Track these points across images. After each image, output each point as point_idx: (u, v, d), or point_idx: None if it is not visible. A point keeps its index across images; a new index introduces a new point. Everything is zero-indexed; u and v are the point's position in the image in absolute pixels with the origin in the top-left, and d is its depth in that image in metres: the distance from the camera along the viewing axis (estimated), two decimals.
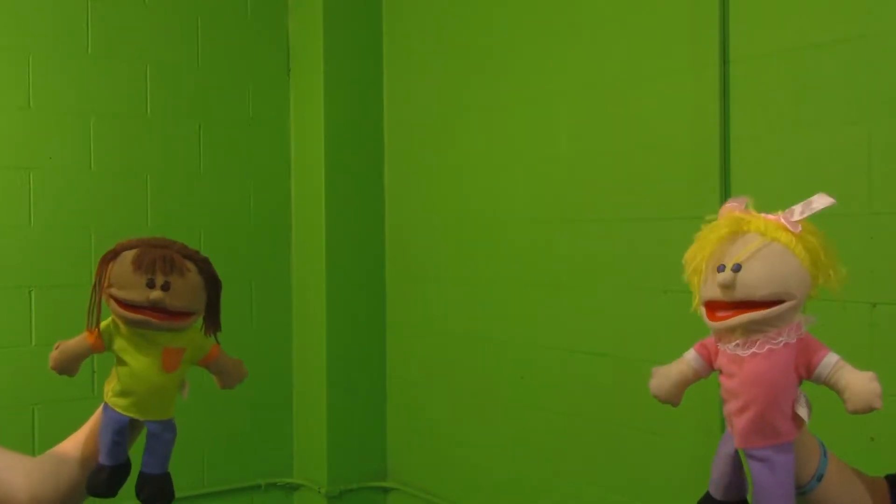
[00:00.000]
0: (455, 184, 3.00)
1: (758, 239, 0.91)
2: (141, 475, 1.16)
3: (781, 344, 0.89)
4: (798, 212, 0.92)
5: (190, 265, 1.14)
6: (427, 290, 3.13)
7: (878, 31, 1.86)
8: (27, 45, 2.85)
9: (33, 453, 1.27)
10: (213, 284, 1.17)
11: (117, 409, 1.13)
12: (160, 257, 1.12)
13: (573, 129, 2.55)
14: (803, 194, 1.95)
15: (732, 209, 0.96)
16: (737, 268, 0.89)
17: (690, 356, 0.97)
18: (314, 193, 3.25)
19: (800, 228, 0.91)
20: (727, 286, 0.89)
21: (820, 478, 0.94)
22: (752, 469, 0.91)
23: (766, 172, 2.06)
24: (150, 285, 1.10)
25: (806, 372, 0.90)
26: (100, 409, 1.18)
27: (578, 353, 2.53)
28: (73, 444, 1.20)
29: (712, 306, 0.93)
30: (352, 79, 3.27)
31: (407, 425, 3.25)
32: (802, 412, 0.90)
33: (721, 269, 0.91)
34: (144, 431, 1.17)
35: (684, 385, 0.98)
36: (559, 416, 2.60)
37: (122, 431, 1.14)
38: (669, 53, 2.27)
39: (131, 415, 1.13)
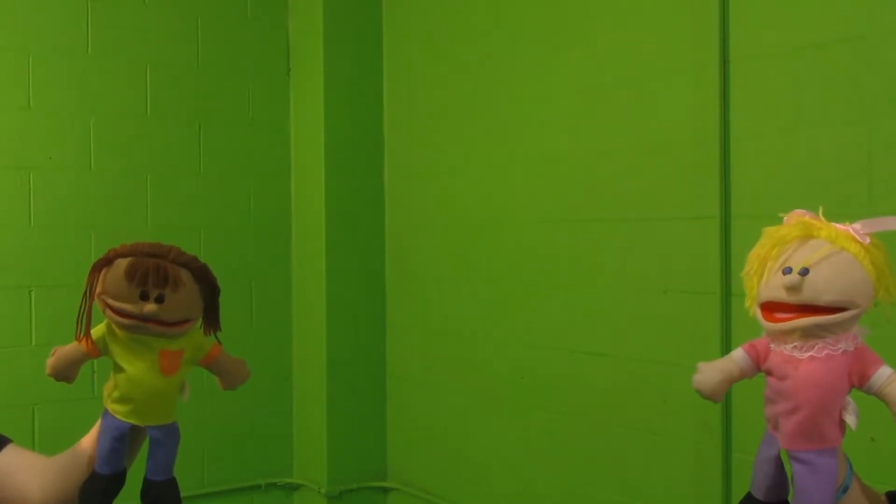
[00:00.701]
0: (455, 184, 3.00)
1: (827, 246, 0.92)
2: (146, 481, 1.14)
3: (840, 351, 0.91)
4: (869, 225, 0.94)
5: (185, 274, 1.11)
6: (427, 290, 3.13)
7: (878, 31, 1.86)
8: (27, 45, 2.85)
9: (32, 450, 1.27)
10: (210, 292, 1.14)
11: (117, 416, 1.11)
12: (153, 268, 1.08)
13: (573, 129, 2.55)
14: (803, 194, 1.96)
15: (801, 214, 0.97)
16: (804, 271, 0.90)
17: (738, 355, 0.98)
18: (314, 193, 3.25)
19: (868, 241, 0.92)
20: (793, 288, 0.90)
21: (846, 489, 0.96)
22: (794, 471, 0.92)
23: (766, 172, 2.06)
24: (144, 297, 1.07)
25: (859, 381, 0.91)
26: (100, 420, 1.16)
27: (578, 353, 2.53)
28: (84, 445, 1.19)
29: (771, 307, 0.93)
30: (352, 79, 3.27)
31: (407, 425, 3.25)
32: (850, 420, 0.91)
33: (787, 271, 0.92)
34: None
35: (729, 383, 0.99)
36: (559, 416, 2.60)
37: (121, 438, 1.12)
38: (669, 53, 2.27)
39: (131, 421, 1.11)
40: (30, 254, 2.85)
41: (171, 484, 1.14)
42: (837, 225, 0.94)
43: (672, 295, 2.25)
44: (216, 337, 1.18)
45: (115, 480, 1.13)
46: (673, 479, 2.28)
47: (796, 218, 0.97)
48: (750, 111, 2.10)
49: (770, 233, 0.98)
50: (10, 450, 1.25)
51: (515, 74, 2.74)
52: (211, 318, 1.16)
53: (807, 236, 0.94)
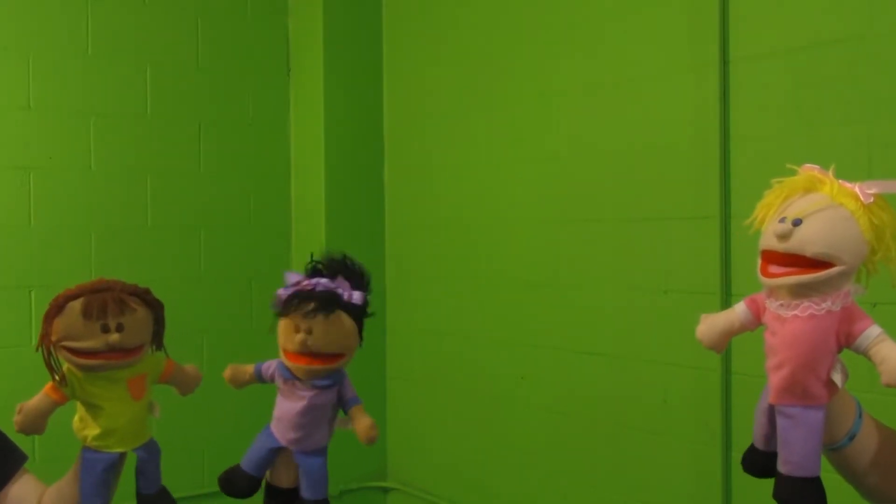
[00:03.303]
0: (455, 184, 3.00)
1: (825, 199, 0.92)
2: (143, 496, 1.20)
3: (824, 311, 0.90)
4: (876, 185, 0.93)
5: (135, 301, 1.16)
6: (427, 290, 3.13)
7: (878, 31, 1.86)
8: (27, 45, 2.85)
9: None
10: (158, 311, 1.20)
11: (104, 451, 1.16)
12: (111, 300, 1.13)
13: (573, 129, 2.55)
14: None
15: (811, 169, 0.98)
16: (797, 222, 0.91)
17: (740, 308, 0.99)
18: (314, 193, 3.25)
19: (871, 200, 0.92)
20: (782, 236, 0.91)
21: (852, 437, 0.97)
22: (778, 424, 0.94)
23: (766, 172, 2.05)
24: (105, 330, 1.12)
25: (846, 340, 0.91)
26: (78, 459, 1.19)
27: (578, 353, 2.53)
28: (69, 486, 1.24)
29: (767, 258, 0.94)
30: (352, 79, 3.27)
31: (407, 425, 3.25)
32: (837, 378, 0.91)
33: (782, 220, 0.93)
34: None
35: (729, 335, 1.00)
36: (559, 416, 2.60)
37: (110, 469, 1.17)
38: (669, 53, 2.27)
39: (119, 450, 1.16)
40: (30, 254, 2.85)
41: (166, 492, 1.22)
42: (844, 182, 0.94)
43: (672, 295, 2.25)
44: (166, 352, 1.23)
45: None
46: (673, 479, 2.28)
47: (805, 172, 0.98)
48: (750, 111, 2.10)
49: (776, 186, 1.00)
50: (24, 481, 1.35)
51: (515, 74, 2.74)
52: (159, 335, 1.22)
53: (809, 190, 0.95)
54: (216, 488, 1.32)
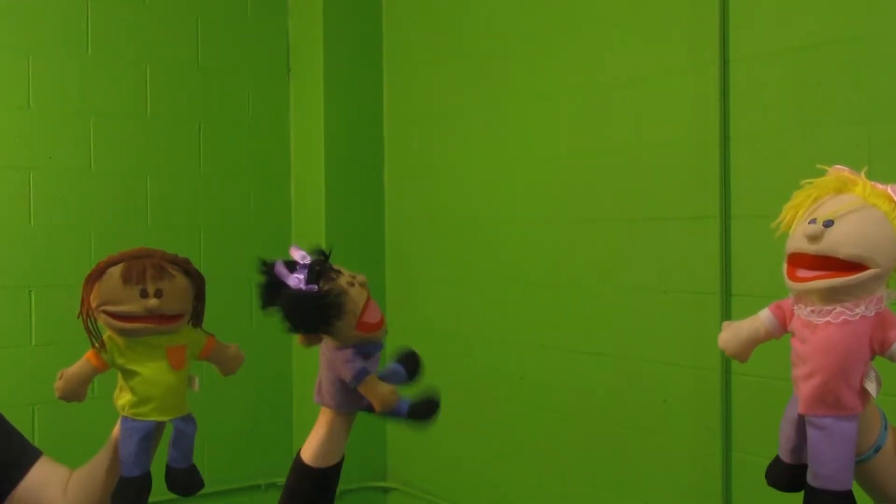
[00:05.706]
0: (455, 184, 3.00)
1: (857, 200, 0.89)
2: (171, 470, 1.21)
3: (858, 316, 0.87)
4: None
5: (174, 269, 1.18)
6: (427, 290, 3.13)
7: (878, 31, 1.86)
8: (27, 45, 2.85)
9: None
10: (198, 281, 1.22)
11: (140, 419, 1.16)
12: (150, 266, 1.15)
13: (573, 129, 2.55)
14: None
15: (841, 170, 0.95)
16: (828, 223, 0.88)
17: (764, 315, 0.96)
18: (314, 193, 3.25)
19: None
20: (814, 237, 0.88)
21: (878, 449, 0.94)
22: (809, 435, 0.90)
23: (766, 172, 2.06)
24: (144, 294, 1.13)
25: (880, 347, 0.88)
26: (118, 426, 1.20)
27: (578, 353, 2.53)
28: (101, 459, 1.24)
29: (795, 261, 0.91)
30: (352, 79, 3.27)
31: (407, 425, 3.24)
32: (871, 387, 0.89)
33: (812, 221, 0.90)
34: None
35: (754, 343, 0.97)
36: (559, 416, 2.60)
37: (148, 438, 1.18)
38: (669, 53, 2.27)
39: (155, 419, 1.17)
40: (30, 254, 2.85)
41: (194, 468, 1.24)
42: (876, 184, 0.91)
43: (672, 295, 2.25)
44: (203, 329, 1.24)
45: (146, 480, 1.19)
46: (673, 479, 2.28)
47: (835, 173, 0.95)
48: (750, 111, 2.10)
49: (804, 188, 0.96)
50: (41, 464, 1.31)
51: (515, 74, 2.74)
52: (199, 311, 1.23)
53: (840, 191, 0.92)
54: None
